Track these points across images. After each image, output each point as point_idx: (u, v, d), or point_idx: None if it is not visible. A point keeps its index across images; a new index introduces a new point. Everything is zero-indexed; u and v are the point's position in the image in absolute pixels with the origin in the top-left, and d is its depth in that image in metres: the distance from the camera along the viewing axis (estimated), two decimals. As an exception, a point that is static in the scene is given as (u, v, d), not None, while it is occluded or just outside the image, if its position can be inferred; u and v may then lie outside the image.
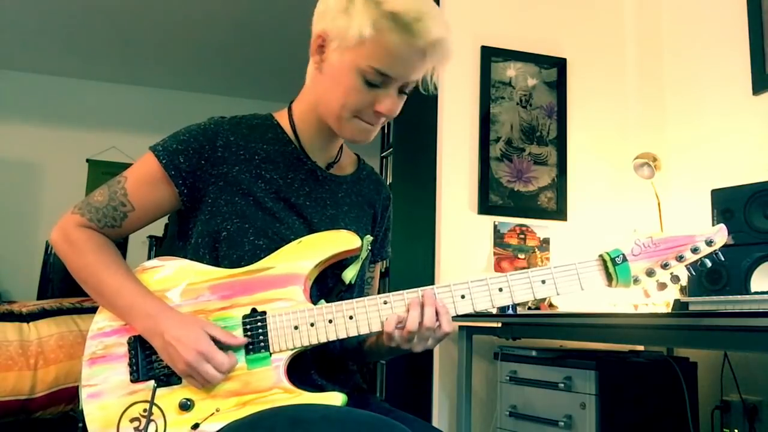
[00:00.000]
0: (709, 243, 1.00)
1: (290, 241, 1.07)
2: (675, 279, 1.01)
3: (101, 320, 1.06)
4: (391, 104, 1.05)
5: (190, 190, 1.10)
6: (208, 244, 1.09)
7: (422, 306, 0.99)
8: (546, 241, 2.69)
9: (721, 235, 1.01)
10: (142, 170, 1.11)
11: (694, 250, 1.00)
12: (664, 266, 1.00)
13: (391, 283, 2.56)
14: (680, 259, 1.00)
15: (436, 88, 1.09)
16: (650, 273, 1.01)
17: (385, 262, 1.37)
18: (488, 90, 2.74)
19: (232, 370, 1.00)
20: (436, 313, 0.99)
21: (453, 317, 1.01)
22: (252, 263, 1.06)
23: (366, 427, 0.89)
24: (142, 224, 1.13)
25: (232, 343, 1.00)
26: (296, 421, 0.88)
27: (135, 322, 1.03)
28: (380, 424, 0.91)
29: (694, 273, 1.01)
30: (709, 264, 1.01)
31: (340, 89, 1.04)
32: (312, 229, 1.12)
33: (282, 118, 1.17)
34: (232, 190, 1.09)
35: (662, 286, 1.02)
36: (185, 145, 1.09)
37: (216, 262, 1.08)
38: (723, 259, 1.02)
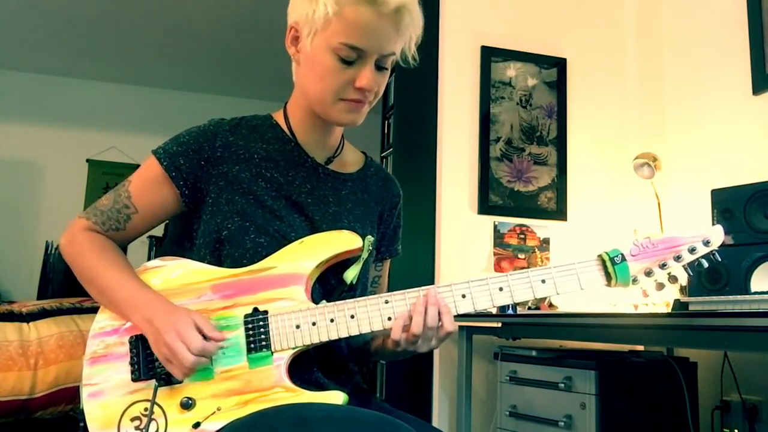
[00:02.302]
0: (706, 243, 1.02)
1: (291, 239, 1.08)
2: (673, 279, 1.03)
3: (103, 320, 1.07)
4: (370, 77, 1.04)
5: (191, 191, 1.10)
6: (209, 244, 1.10)
7: (425, 306, 0.99)
8: (546, 241, 2.69)
9: (717, 236, 1.02)
10: (145, 173, 1.12)
11: (692, 251, 1.01)
12: (662, 266, 1.02)
13: (390, 282, 2.55)
14: (678, 259, 1.02)
15: (415, 60, 1.09)
16: (649, 273, 1.02)
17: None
18: (488, 90, 2.74)
19: (211, 358, 0.99)
20: (438, 313, 1.00)
21: (454, 316, 1.02)
22: (254, 261, 1.06)
23: (370, 426, 0.89)
24: (147, 227, 1.14)
25: (214, 337, 0.98)
26: (299, 420, 0.88)
27: (132, 315, 1.03)
28: (384, 424, 0.91)
29: (691, 273, 1.03)
30: (706, 264, 1.03)
31: (318, 73, 1.05)
32: (314, 227, 1.12)
33: (279, 117, 1.18)
34: (232, 189, 1.10)
35: (660, 286, 1.04)
36: (185, 147, 1.10)
37: (218, 261, 1.09)
38: (720, 259, 1.03)
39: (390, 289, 1.33)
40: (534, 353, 2.11)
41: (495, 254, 2.63)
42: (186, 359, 0.95)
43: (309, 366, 1.07)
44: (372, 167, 1.26)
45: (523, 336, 2.10)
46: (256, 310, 1.03)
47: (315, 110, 1.11)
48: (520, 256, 2.65)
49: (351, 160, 1.24)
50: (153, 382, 1.01)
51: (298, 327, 1.01)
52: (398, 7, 1.00)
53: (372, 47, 1.03)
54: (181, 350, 0.95)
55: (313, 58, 1.05)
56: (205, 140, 1.11)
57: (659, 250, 1.02)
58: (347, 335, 1.02)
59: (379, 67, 1.06)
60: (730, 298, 1.68)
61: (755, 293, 1.72)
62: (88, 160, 5.78)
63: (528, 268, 2.62)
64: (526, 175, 2.73)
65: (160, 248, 4.88)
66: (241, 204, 1.09)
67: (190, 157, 1.09)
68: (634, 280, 1.02)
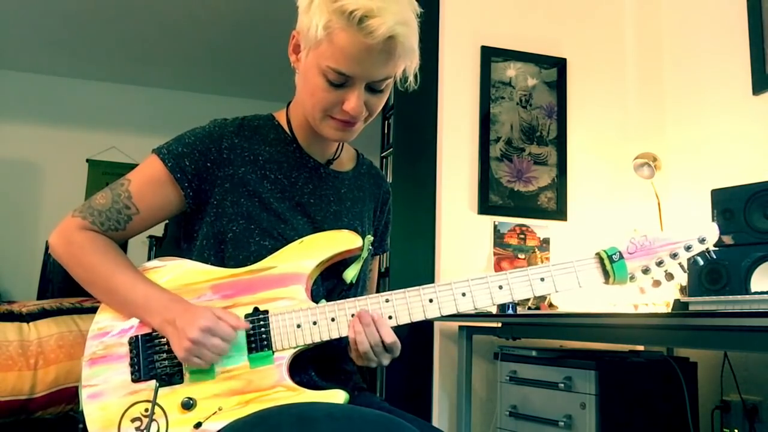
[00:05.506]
0: (702, 241, 1.03)
1: (294, 242, 1.08)
2: (669, 276, 1.05)
3: (102, 320, 1.06)
4: (356, 103, 1.02)
5: (196, 193, 1.10)
6: (213, 246, 1.10)
7: (361, 327, 0.99)
8: (546, 241, 2.69)
9: (712, 234, 1.04)
10: (147, 173, 1.10)
11: (687, 248, 1.03)
12: (659, 264, 1.03)
13: (391, 282, 2.55)
14: (674, 256, 1.03)
15: (416, 84, 1.07)
16: (645, 270, 1.04)
17: (385, 260, 1.39)
18: (488, 90, 2.74)
19: (234, 360, 1.00)
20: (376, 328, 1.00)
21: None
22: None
23: (372, 425, 0.89)
24: (146, 227, 1.13)
25: (238, 325, 0.99)
26: (302, 419, 0.88)
27: (151, 316, 1.02)
28: (386, 422, 0.91)
29: (687, 271, 1.04)
30: (701, 262, 1.05)
31: (309, 89, 1.05)
32: (316, 227, 1.12)
33: (281, 118, 1.18)
34: (238, 192, 1.10)
35: (657, 283, 1.05)
36: (191, 148, 1.09)
37: (221, 263, 1.09)
38: (715, 257, 1.06)
39: (389, 288, 1.33)
40: (534, 353, 2.11)
41: (495, 254, 2.63)
42: (222, 351, 0.97)
43: (305, 368, 1.07)
44: (364, 164, 1.27)
45: (523, 336, 2.11)
46: (256, 309, 1.03)
47: (308, 121, 1.10)
48: (520, 256, 2.65)
49: (346, 159, 1.24)
50: (153, 383, 1.01)
51: (299, 326, 1.01)
52: (388, 38, 0.97)
53: (360, 74, 1.01)
54: (217, 344, 0.96)
55: (307, 72, 1.05)
56: (211, 142, 1.10)
57: (655, 247, 1.03)
58: (348, 334, 1.02)
59: (373, 90, 1.05)
60: (730, 298, 1.68)
61: (755, 293, 1.72)
62: (88, 160, 5.78)
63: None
64: (526, 175, 2.73)
65: (160, 248, 4.87)
66: (247, 206, 1.09)
67: (196, 158, 1.09)
68: (632, 278, 1.03)
